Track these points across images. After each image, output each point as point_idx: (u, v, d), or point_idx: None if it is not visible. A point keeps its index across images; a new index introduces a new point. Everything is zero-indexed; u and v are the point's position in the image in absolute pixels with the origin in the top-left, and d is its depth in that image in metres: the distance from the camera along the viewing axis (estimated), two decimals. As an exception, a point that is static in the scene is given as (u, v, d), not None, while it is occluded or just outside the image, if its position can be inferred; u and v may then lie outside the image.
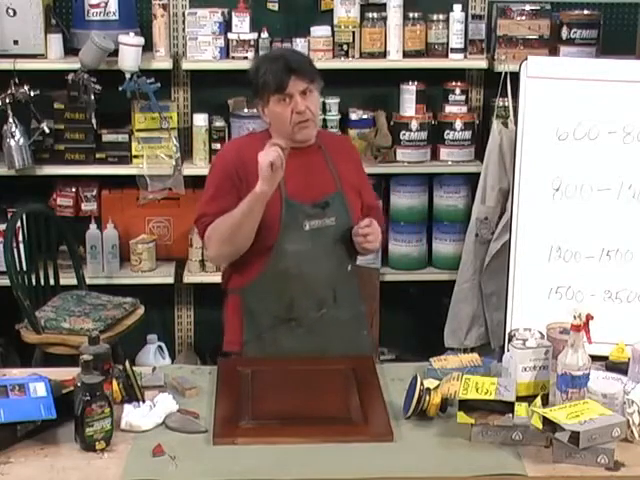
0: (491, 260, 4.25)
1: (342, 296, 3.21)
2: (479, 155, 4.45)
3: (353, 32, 4.38)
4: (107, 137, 4.42)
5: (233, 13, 4.34)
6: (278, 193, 3.10)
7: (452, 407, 2.64)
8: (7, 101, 4.21)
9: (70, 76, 4.27)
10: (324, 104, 4.45)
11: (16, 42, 4.25)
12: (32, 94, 4.22)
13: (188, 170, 4.42)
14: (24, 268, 4.17)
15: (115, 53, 4.23)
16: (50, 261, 4.30)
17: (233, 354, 3.26)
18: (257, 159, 3.08)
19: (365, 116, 4.52)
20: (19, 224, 4.18)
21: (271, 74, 3.09)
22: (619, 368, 2.85)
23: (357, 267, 3.34)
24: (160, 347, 4.64)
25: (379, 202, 3.52)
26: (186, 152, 4.52)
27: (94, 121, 4.35)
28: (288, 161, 3.12)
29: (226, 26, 4.35)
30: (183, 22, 4.43)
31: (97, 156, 4.41)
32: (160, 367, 3.04)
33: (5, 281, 4.11)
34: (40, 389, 2.58)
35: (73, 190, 4.53)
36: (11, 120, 4.24)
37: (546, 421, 2.49)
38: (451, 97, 4.51)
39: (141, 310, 4.32)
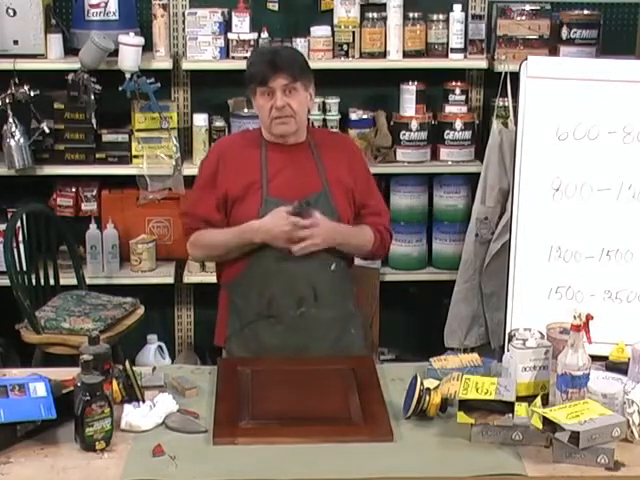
0: (491, 260, 4.25)
1: (324, 295, 3.21)
2: (479, 155, 4.45)
3: (353, 32, 4.38)
4: (107, 137, 4.42)
5: (233, 13, 4.34)
6: (259, 191, 3.14)
7: (452, 407, 2.64)
8: (7, 101, 4.21)
9: (70, 76, 4.27)
10: (324, 104, 4.45)
11: (16, 42, 4.25)
12: (32, 94, 4.22)
13: (188, 170, 4.41)
14: (24, 268, 4.17)
15: (115, 53, 4.23)
16: (50, 261, 4.30)
17: (220, 348, 3.31)
18: (242, 158, 3.20)
19: (365, 116, 4.52)
20: (19, 224, 4.18)
21: (257, 67, 3.18)
22: (619, 368, 2.85)
23: (346, 266, 3.33)
24: (160, 347, 4.64)
25: (385, 208, 3.51)
26: (186, 152, 4.52)
27: (94, 121, 4.35)
28: (273, 158, 3.17)
29: (226, 26, 4.35)
30: (183, 22, 4.43)
31: (97, 156, 4.41)
32: (160, 367, 3.05)
33: (5, 281, 4.10)
34: (40, 389, 2.58)
35: (73, 190, 4.52)
36: (11, 120, 4.24)
37: (546, 421, 2.49)
38: (451, 97, 4.51)
39: (141, 310, 4.32)
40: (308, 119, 3.53)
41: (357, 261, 3.54)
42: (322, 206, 3.17)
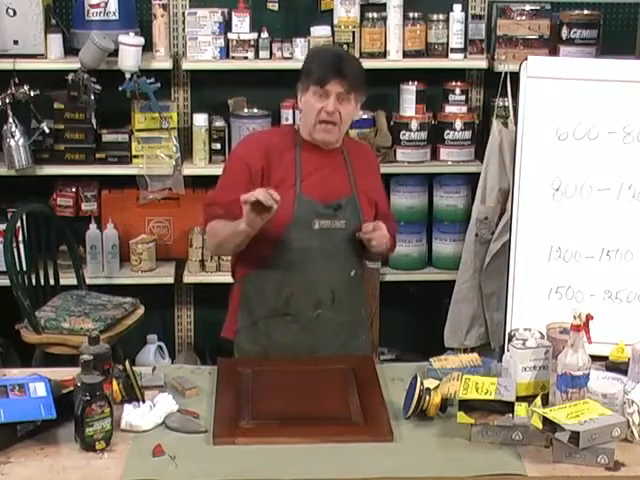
0: (491, 260, 4.25)
1: (341, 299, 3.21)
2: (479, 155, 4.45)
3: (353, 32, 4.38)
4: (107, 137, 4.42)
5: (233, 13, 4.34)
6: (293, 188, 3.12)
7: (452, 407, 2.64)
8: (7, 101, 4.21)
9: (70, 76, 4.27)
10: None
11: (16, 42, 4.26)
12: (32, 94, 4.23)
13: (188, 170, 4.42)
14: (24, 268, 4.17)
15: (115, 53, 4.23)
16: (50, 261, 4.30)
17: (228, 340, 3.28)
18: (283, 151, 3.15)
19: (365, 116, 4.52)
20: (19, 224, 4.18)
21: (319, 66, 3.12)
22: (619, 368, 2.85)
23: (362, 274, 3.32)
24: (160, 347, 4.65)
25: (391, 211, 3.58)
26: (186, 152, 4.52)
27: (94, 121, 4.36)
28: (308, 157, 3.14)
29: (226, 26, 4.36)
30: (183, 22, 4.43)
31: (97, 156, 4.41)
32: (160, 367, 3.04)
33: (5, 281, 4.11)
34: (40, 389, 2.58)
35: (73, 190, 4.53)
36: (11, 120, 4.24)
37: (546, 421, 2.49)
38: (451, 97, 4.51)
39: (141, 310, 4.32)
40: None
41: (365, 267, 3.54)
42: (351, 210, 3.17)
